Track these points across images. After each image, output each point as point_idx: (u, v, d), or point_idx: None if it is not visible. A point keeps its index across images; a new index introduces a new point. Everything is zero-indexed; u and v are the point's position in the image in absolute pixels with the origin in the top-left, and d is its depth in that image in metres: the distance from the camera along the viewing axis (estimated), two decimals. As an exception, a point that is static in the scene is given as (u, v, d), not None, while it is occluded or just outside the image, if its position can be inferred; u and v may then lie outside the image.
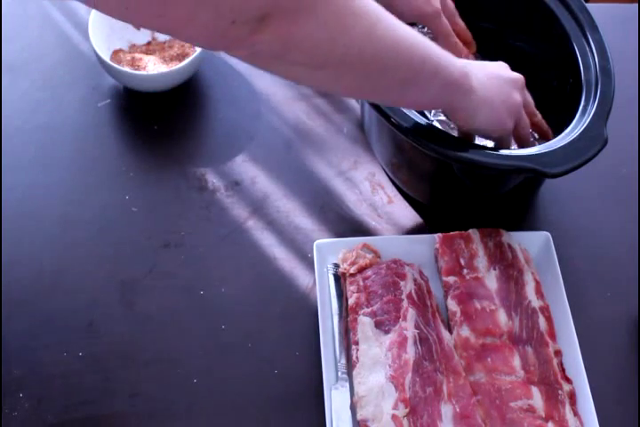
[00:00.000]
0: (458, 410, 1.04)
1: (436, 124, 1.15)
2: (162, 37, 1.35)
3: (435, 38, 1.11)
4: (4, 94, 1.30)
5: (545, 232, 1.18)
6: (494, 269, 1.15)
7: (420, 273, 1.15)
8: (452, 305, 1.13)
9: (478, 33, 1.24)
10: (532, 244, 1.18)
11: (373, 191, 1.26)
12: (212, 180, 1.25)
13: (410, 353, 1.06)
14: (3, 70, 1.30)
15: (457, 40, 1.13)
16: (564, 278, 1.15)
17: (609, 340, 1.15)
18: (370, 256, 1.15)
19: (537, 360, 1.09)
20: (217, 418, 1.07)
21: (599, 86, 1.10)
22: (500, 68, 1.06)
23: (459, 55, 1.10)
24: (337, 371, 1.08)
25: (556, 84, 1.19)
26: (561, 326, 1.12)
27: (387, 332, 1.09)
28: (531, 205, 1.26)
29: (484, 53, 1.23)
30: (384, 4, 0.95)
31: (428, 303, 1.13)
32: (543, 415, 1.04)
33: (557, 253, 1.17)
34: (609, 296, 1.19)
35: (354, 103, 1.34)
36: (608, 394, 1.10)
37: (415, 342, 1.07)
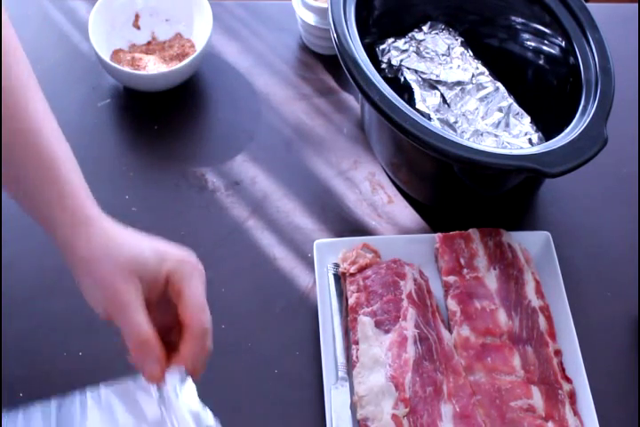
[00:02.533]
0: (458, 410, 1.04)
1: (437, 123, 1.15)
2: (162, 37, 1.35)
3: None
4: (4, 94, 1.30)
5: (545, 232, 1.18)
6: (494, 269, 1.15)
7: (420, 273, 1.15)
8: (452, 305, 1.13)
9: (480, 36, 1.24)
10: (532, 244, 1.18)
11: (373, 191, 1.26)
12: (212, 179, 1.25)
13: (410, 353, 1.06)
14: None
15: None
16: (563, 278, 1.15)
17: (609, 339, 1.15)
18: (370, 256, 1.15)
19: (537, 360, 1.09)
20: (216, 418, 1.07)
21: (599, 86, 1.10)
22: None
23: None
24: (337, 371, 1.08)
25: (555, 84, 1.18)
26: (561, 325, 1.12)
27: (387, 331, 1.09)
28: (531, 205, 1.26)
29: (487, 57, 1.23)
30: None
31: (428, 303, 1.13)
32: (543, 415, 1.04)
33: (557, 253, 1.17)
34: (609, 296, 1.19)
35: (354, 103, 1.34)
36: (608, 393, 1.10)
37: (415, 342, 1.07)
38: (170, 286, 0.83)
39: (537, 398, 1.05)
